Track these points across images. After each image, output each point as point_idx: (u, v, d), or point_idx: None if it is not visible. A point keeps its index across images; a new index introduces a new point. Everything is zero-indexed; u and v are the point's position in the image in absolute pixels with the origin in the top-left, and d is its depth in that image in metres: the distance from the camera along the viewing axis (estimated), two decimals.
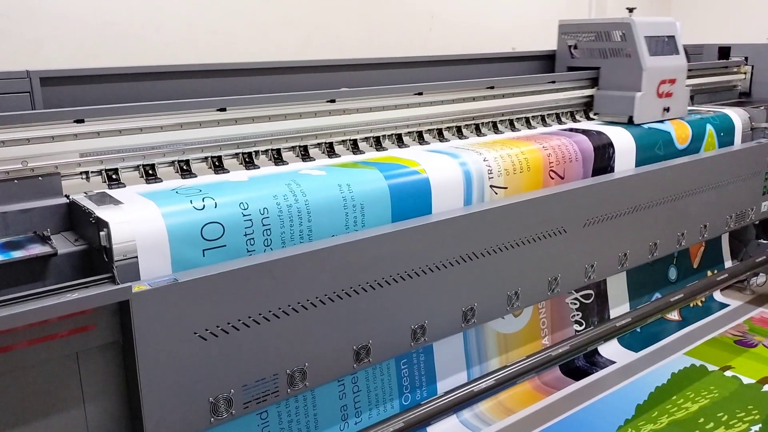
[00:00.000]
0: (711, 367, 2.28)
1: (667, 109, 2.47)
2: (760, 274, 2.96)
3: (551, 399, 2.10)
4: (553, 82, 2.44)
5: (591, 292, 2.37)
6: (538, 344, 2.19)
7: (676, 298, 2.44)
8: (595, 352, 2.36)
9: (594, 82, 2.55)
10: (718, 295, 2.89)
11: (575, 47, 2.60)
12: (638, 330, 2.50)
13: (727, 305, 2.82)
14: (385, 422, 1.66)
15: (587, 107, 2.57)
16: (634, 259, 2.26)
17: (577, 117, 2.54)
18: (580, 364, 2.30)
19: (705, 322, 2.64)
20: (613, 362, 2.31)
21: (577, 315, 2.34)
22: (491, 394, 1.94)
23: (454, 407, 1.82)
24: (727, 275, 2.66)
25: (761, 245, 2.96)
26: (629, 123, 2.38)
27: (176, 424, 1.34)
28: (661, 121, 2.45)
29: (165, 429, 1.32)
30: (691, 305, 2.75)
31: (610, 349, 2.39)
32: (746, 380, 2.22)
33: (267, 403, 1.46)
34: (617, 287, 2.46)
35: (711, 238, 2.61)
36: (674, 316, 2.67)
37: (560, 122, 2.48)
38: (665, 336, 2.51)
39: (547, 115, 2.45)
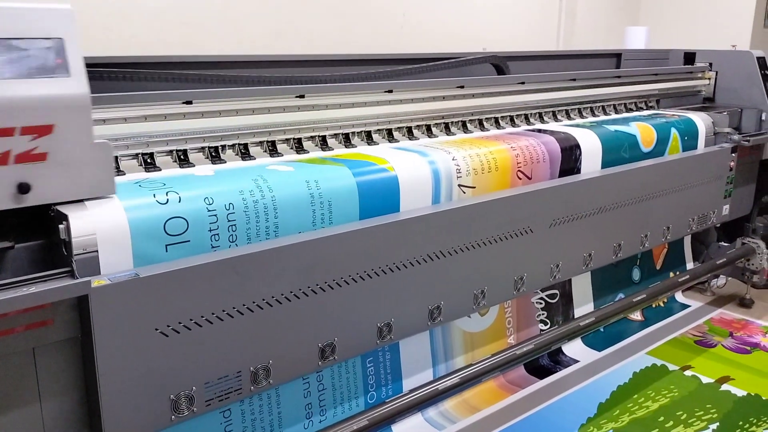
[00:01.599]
0: (672, 367, 2.32)
1: (24, 189, 1.19)
2: (721, 276, 3.03)
3: (515, 397, 2.11)
4: (523, 83, 2.45)
5: (556, 292, 2.40)
6: (503, 343, 2.21)
7: (639, 298, 2.47)
8: (559, 351, 2.39)
9: None
10: (679, 296, 2.95)
11: None
12: (601, 330, 2.53)
13: (688, 306, 2.88)
14: (350, 420, 1.65)
15: None
16: (598, 259, 2.29)
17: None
18: (544, 362, 2.32)
19: (667, 323, 2.69)
20: (577, 361, 2.34)
21: (543, 314, 2.36)
22: (456, 392, 1.95)
23: (419, 405, 1.81)
24: (688, 276, 2.71)
25: (722, 248, 3.03)
26: None
27: (136, 422, 1.31)
28: (627, 124, 2.48)
29: (124, 427, 1.30)
30: (654, 305, 2.80)
31: (574, 348, 2.42)
32: (705, 380, 2.26)
33: (230, 401, 1.44)
34: (582, 287, 2.49)
35: (674, 239, 2.66)
36: (637, 316, 2.71)
37: (528, 123, 2.49)
38: (628, 336, 2.55)
39: (516, 116, 2.47)
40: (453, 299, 1.84)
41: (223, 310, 1.38)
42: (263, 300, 1.44)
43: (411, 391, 1.81)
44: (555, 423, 1.98)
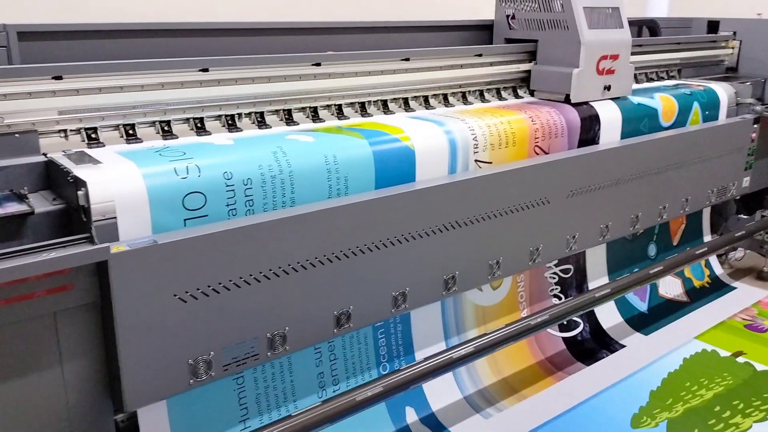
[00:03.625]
0: (723, 353, 2.25)
1: (608, 88, 2.29)
2: (738, 249, 3.01)
3: (563, 385, 2.07)
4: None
5: (570, 266, 2.39)
6: (516, 317, 2.21)
7: (656, 270, 2.45)
8: (604, 333, 2.37)
9: (532, 56, 2.36)
10: (725, 277, 2.89)
11: (512, 17, 2.38)
12: (646, 311, 2.50)
13: (734, 288, 2.81)
14: (365, 386, 1.65)
15: (525, 83, 2.38)
16: (615, 230, 2.28)
17: (520, 92, 2.36)
18: (589, 345, 2.29)
19: (713, 305, 2.62)
20: (623, 345, 2.30)
21: (556, 289, 2.36)
22: (473, 359, 1.91)
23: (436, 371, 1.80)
24: (705, 249, 2.69)
25: (741, 220, 3.00)
26: (566, 101, 2.20)
27: (155, 386, 1.34)
28: (651, 97, 2.45)
29: (143, 390, 1.33)
30: (697, 286, 2.74)
31: (618, 331, 2.38)
32: (760, 367, 2.18)
33: (247, 366, 1.46)
34: (596, 263, 2.48)
35: (693, 212, 2.64)
36: (682, 297, 2.68)
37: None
38: (674, 318, 2.49)
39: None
40: (468, 269, 1.84)
41: (241, 277, 1.40)
42: (279, 268, 1.45)
43: (425, 359, 1.81)
44: (606, 413, 1.93)
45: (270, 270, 1.44)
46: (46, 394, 1.30)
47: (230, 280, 1.38)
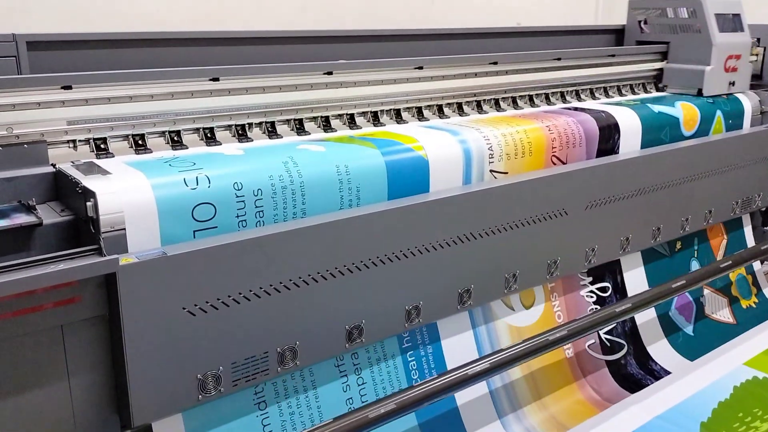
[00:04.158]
0: None
1: (732, 83, 2.69)
2: (765, 262, 2.98)
3: (606, 414, 2.01)
4: (559, 59, 2.43)
5: (608, 285, 2.37)
6: None
7: (679, 284, 2.41)
8: (648, 358, 2.35)
9: (663, 56, 2.81)
10: None
11: (645, 22, 2.87)
12: (691, 333, 2.47)
13: None
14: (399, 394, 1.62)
15: (657, 80, 2.81)
16: (636, 243, 2.27)
17: (648, 88, 2.78)
18: (633, 371, 2.27)
19: (762, 327, 2.54)
20: (668, 372, 2.26)
21: (595, 309, 2.33)
22: (507, 368, 1.87)
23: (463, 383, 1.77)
24: (730, 262, 2.66)
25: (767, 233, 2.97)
26: (698, 95, 2.63)
27: (163, 400, 1.35)
28: (672, 105, 2.45)
29: (152, 405, 1.34)
30: (744, 306, 2.70)
31: (662, 355, 2.35)
32: None
33: (256, 381, 1.47)
34: (636, 281, 2.44)
35: (716, 223, 2.62)
36: (728, 318, 2.65)
37: (564, 101, 2.47)
38: (720, 341, 2.42)
39: (551, 93, 2.44)
40: (483, 283, 1.84)
41: (250, 290, 1.41)
42: (290, 280, 1.46)
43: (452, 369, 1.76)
44: None
45: (280, 282, 1.45)
46: (52, 407, 1.31)
47: (240, 293, 1.39)
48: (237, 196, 1.42)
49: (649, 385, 2.19)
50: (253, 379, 1.46)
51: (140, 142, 1.58)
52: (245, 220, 1.44)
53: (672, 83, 2.76)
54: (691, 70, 2.68)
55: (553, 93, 2.45)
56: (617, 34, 2.97)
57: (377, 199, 1.65)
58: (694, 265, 2.68)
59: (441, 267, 1.73)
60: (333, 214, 1.55)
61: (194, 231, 1.37)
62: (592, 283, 2.31)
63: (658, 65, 2.79)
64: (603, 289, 2.34)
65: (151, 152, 1.57)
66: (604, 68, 2.62)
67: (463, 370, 1.72)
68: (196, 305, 1.34)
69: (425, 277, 1.71)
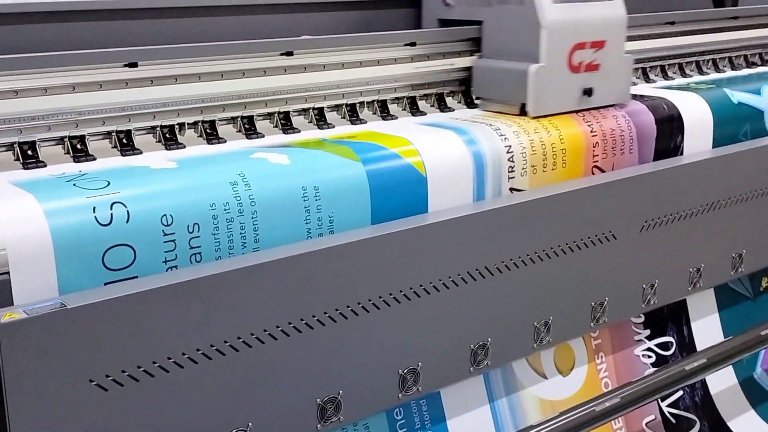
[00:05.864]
0: None
1: (588, 92, 2.10)
2: None
3: None
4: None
5: (670, 340, 2.37)
6: None
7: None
8: (726, 429, 2.34)
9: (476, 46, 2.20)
10: None
11: None
12: None
13: None
14: None
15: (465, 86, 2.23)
16: (711, 275, 2.28)
17: (449, 101, 2.21)
18: None
19: None
20: None
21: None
22: None
23: None
24: None
25: None
26: (521, 114, 2.03)
27: None
28: (755, 89, 2.45)
29: None
30: None
31: (745, 424, 2.36)
32: None
33: None
34: (708, 333, 2.45)
35: None
36: None
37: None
38: None
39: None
40: (504, 334, 1.84)
41: (183, 353, 1.39)
42: (238, 339, 1.45)
43: None
44: None
45: (225, 342, 1.43)
46: None
47: (169, 358, 1.38)
48: (165, 234, 1.41)
49: None
50: None
51: (30, 152, 1.56)
52: (176, 266, 1.43)
53: (484, 93, 2.16)
54: (507, 71, 2.07)
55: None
56: (413, 10, 2.39)
57: (357, 224, 1.65)
58: None
59: (445, 314, 1.73)
60: (296, 245, 1.55)
61: (105, 283, 1.36)
62: (649, 338, 2.31)
63: (463, 62, 2.19)
64: (664, 346, 2.33)
65: (46, 166, 1.56)
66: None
67: None
68: (108, 376, 1.32)
69: (424, 329, 1.70)
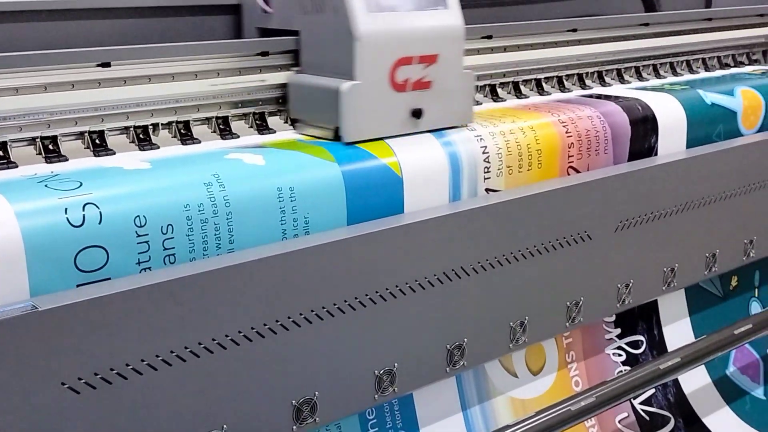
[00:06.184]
0: None
1: (416, 114, 1.84)
2: None
3: None
4: (575, 30, 2.44)
5: (641, 338, 2.38)
6: None
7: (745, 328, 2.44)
8: (702, 425, 2.36)
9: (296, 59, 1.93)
10: None
11: None
12: (763, 397, 2.49)
13: None
14: None
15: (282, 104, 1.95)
16: (685, 275, 2.29)
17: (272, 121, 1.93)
18: None
19: None
20: None
21: (624, 370, 2.33)
22: None
23: None
24: None
25: None
26: (335, 139, 1.78)
27: None
28: (727, 90, 2.47)
29: None
30: None
31: (727, 429, 2.37)
32: None
33: None
34: (678, 332, 2.47)
35: None
36: None
37: (584, 86, 2.48)
38: None
39: (566, 76, 2.46)
40: (481, 335, 1.84)
41: (157, 356, 1.38)
42: (213, 340, 1.44)
43: None
44: None
45: (199, 344, 1.42)
46: None
47: (143, 360, 1.37)
48: (138, 235, 1.40)
49: None
50: None
51: (1, 153, 1.55)
52: (150, 267, 1.42)
53: (299, 114, 1.89)
54: (320, 89, 1.80)
55: (568, 76, 2.46)
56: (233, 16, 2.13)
57: (332, 225, 1.65)
58: (755, 307, 2.70)
59: (421, 315, 1.73)
60: (272, 246, 1.54)
61: (78, 285, 1.35)
62: (620, 337, 2.32)
63: (276, 78, 1.91)
64: (635, 344, 2.34)
65: (17, 167, 1.54)
66: None
67: None
68: (80, 379, 1.31)
69: (400, 330, 1.70)
